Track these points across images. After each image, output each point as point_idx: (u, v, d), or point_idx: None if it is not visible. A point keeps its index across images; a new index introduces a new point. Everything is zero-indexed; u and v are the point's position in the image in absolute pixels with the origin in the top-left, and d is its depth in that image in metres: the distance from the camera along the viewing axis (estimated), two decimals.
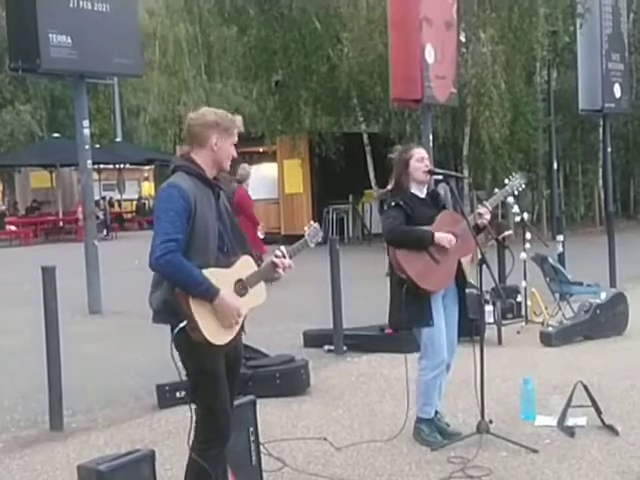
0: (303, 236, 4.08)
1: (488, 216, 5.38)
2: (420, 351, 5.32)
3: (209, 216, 3.77)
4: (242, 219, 13.21)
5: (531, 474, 4.72)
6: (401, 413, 5.50)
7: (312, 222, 4.21)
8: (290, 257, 3.95)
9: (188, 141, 3.91)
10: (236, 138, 3.91)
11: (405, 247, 5.17)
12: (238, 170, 13.98)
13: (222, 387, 3.80)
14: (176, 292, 3.66)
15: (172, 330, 3.75)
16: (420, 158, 5.31)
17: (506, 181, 5.74)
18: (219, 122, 3.84)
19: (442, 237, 5.16)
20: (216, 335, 3.70)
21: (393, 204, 5.26)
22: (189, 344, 3.70)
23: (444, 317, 5.27)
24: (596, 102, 21.25)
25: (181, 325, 3.65)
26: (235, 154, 3.93)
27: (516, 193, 5.77)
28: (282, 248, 3.96)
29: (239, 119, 3.94)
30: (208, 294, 3.64)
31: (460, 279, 5.35)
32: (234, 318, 3.73)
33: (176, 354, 3.74)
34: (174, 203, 3.66)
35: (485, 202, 5.51)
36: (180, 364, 3.79)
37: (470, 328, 5.39)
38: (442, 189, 5.62)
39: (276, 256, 3.91)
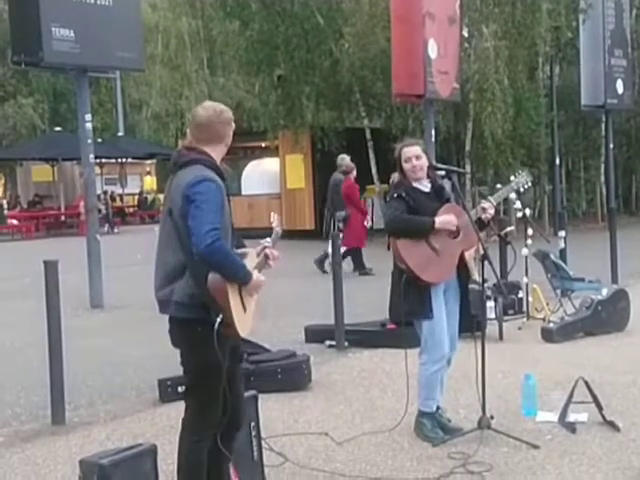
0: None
1: (492, 211, 5.38)
2: (421, 345, 5.33)
3: (227, 210, 3.85)
4: (353, 210, 13.55)
5: (532, 470, 4.73)
6: (402, 408, 5.50)
7: (272, 213, 4.35)
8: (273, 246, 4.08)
9: (203, 136, 3.91)
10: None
11: (405, 236, 5.18)
12: (339, 161, 14.29)
13: (223, 381, 3.83)
14: (214, 286, 3.66)
15: (186, 323, 3.77)
16: (407, 158, 5.30)
17: (512, 177, 5.73)
18: (232, 118, 3.97)
19: (443, 220, 5.16)
20: (244, 328, 3.80)
21: (395, 195, 5.30)
22: (198, 339, 3.73)
23: (445, 312, 5.27)
24: (598, 98, 21.25)
25: (219, 320, 3.67)
26: None
27: (521, 190, 5.75)
28: (268, 239, 4.05)
29: (225, 108, 4.04)
30: (248, 277, 3.77)
31: (463, 274, 5.36)
32: (261, 287, 3.89)
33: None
34: (214, 195, 3.73)
35: (489, 197, 5.50)
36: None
37: (471, 324, 5.39)
38: (446, 184, 5.61)
39: (264, 247, 4.01)
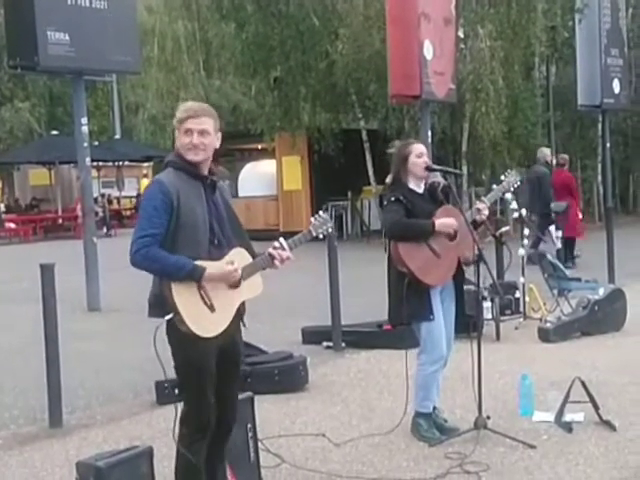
0: (301, 232, 4.08)
1: (486, 212, 5.40)
2: (419, 346, 5.33)
3: (198, 209, 3.78)
4: (571, 201, 14.04)
5: (529, 469, 4.74)
6: (399, 409, 5.51)
7: (320, 212, 4.19)
8: (291, 249, 3.95)
9: None
10: (186, 126, 3.78)
11: (407, 240, 5.16)
12: (539, 154, 14.65)
13: (208, 383, 3.82)
14: (162, 284, 3.71)
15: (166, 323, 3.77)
16: (419, 154, 5.30)
17: (502, 177, 5.76)
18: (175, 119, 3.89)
19: (443, 223, 5.16)
20: (203, 327, 3.71)
21: (393, 199, 5.24)
22: (178, 337, 3.73)
23: (442, 312, 5.28)
24: (595, 97, 21.25)
25: (166, 317, 3.69)
26: (195, 142, 3.76)
27: (512, 189, 5.78)
28: (281, 240, 3.98)
29: (181, 107, 3.89)
30: (194, 274, 3.68)
31: (458, 275, 5.36)
32: (234, 276, 3.76)
33: (162, 348, 3.75)
34: (152, 199, 3.74)
35: (483, 198, 5.51)
36: (166, 359, 3.80)
37: (468, 324, 5.40)
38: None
39: (274, 247, 3.92)
